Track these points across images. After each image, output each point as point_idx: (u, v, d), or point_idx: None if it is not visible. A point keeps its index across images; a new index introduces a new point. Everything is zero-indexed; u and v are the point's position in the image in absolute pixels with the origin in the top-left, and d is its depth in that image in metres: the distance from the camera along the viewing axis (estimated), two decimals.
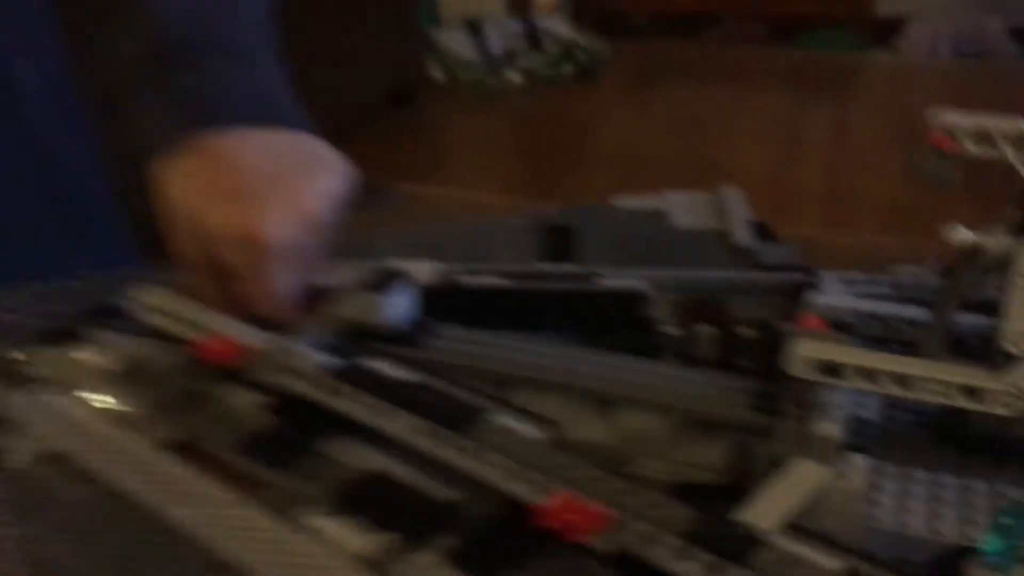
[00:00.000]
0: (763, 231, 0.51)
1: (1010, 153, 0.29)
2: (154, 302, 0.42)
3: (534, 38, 3.70)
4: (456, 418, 0.33)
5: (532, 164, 2.90)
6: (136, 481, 0.34)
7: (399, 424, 0.34)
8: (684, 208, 0.54)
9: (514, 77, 3.49)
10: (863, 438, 0.32)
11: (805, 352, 0.31)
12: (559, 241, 0.51)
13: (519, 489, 0.30)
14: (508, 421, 0.33)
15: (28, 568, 0.32)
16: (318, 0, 2.65)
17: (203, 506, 0.32)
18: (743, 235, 0.51)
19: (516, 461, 0.31)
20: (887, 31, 4.11)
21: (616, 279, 0.42)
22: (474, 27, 3.65)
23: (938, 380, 0.29)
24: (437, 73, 3.50)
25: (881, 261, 0.47)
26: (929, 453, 0.34)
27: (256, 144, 0.43)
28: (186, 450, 0.37)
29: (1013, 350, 0.28)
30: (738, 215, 0.53)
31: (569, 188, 2.69)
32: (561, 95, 3.46)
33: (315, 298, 0.42)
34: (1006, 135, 0.29)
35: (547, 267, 0.45)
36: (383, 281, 0.39)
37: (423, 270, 0.42)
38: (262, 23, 0.47)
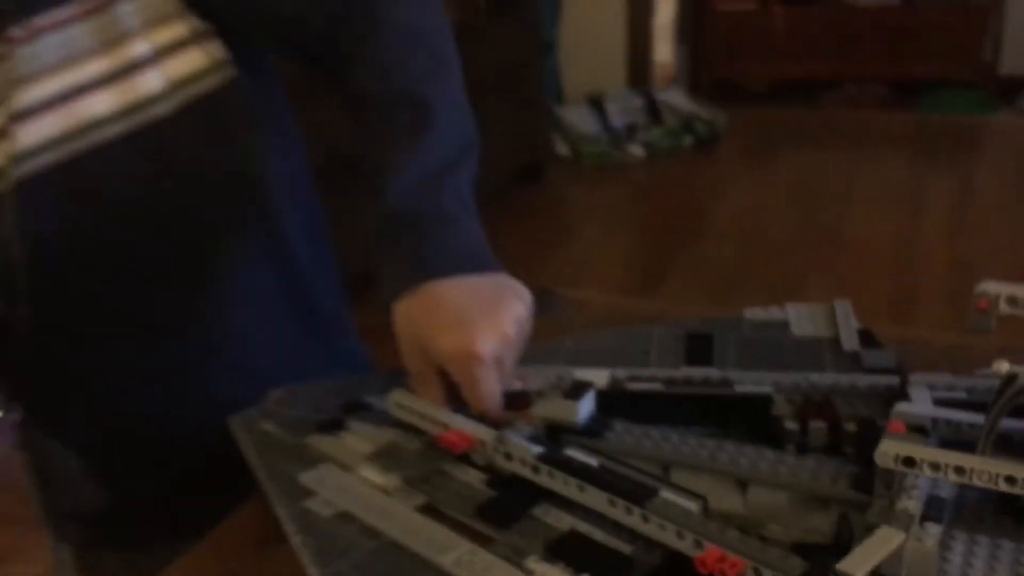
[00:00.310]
0: (867, 338, 0.63)
1: None
2: (399, 400, 0.57)
3: (654, 111, 3.85)
4: (632, 493, 0.46)
5: (653, 235, 3.03)
6: (407, 536, 0.48)
7: (589, 496, 0.48)
8: (803, 318, 0.66)
9: (635, 150, 3.64)
10: (937, 511, 0.43)
11: (890, 450, 0.43)
12: (701, 347, 0.64)
13: (682, 545, 0.43)
14: (670, 495, 0.46)
15: None
16: None
17: (459, 553, 0.46)
18: (850, 342, 0.62)
19: (678, 524, 0.44)
20: (1011, 90, 4.09)
21: (747, 385, 0.55)
22: (596, 102, 3.81)
23: (985, 471, 0.41)
24: (562, 148, 3.68)
25: (969, 361, 0.58)
26: (991, 524, 0.46)
27: (465, 286, 0.57)
28: (429, 512, 0.51)
29: None
30: (847, 324, 0.65)
31: (690, 258, 2.80)
32: (681, 166, 3.59)
33: (514, 399, 0.56)
34: None
35: (693, 372, 0.58)
36: (574, 390, 0.53)
37: (599, 378, 0.56)
38: (468, 189, 0.62)
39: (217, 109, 0.66)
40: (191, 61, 0.64)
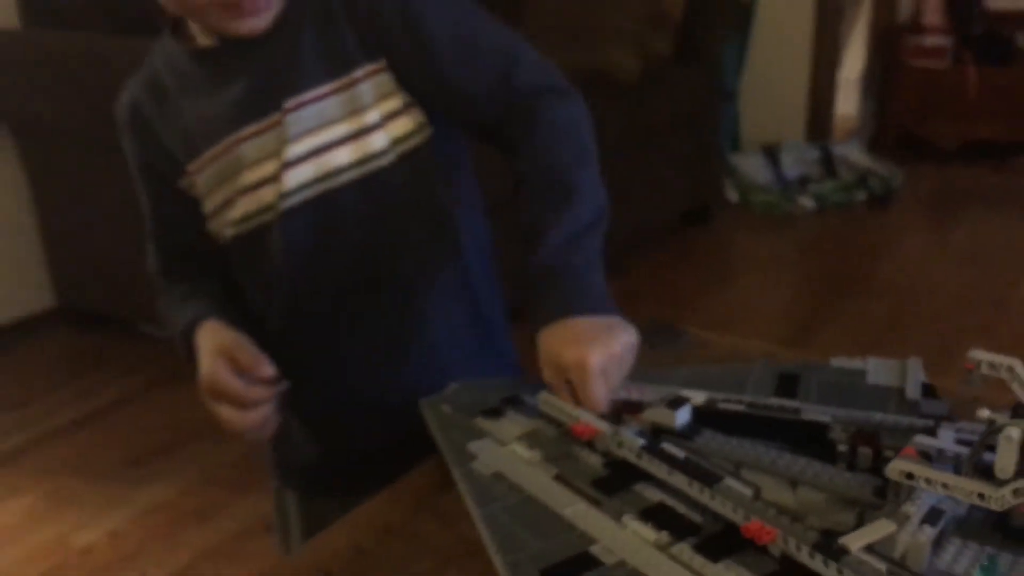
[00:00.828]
0: (928, 390, 0.77)
1: (1006, 377, 0.56)
2: (544, 398, 0.76)
3: (829, 164, 3.91)
4: (705, 477, 0.63)
5: (814, 287, 3.10)
6: (542, 494, 0.67)
7: (675, 478, 0.65)
8: (879, 369, 0.81)
9: (806, 202, 3.72)
10: (935, 518, 0.58)
11: (897, 466, 0.58)
12: (789, 383, 0.80)
13: (735, 517, 0.60)
14: (732, 482, 0.63)
15: (488, 532, 0.65)
16: (632, 129, 3.05)
17: (579, 509, 0.65)
18: (913, 392, 0.77)
19: (734, 502, 0.61)
20: None
21: (811, 413, 0.71)
22: (771, 152, 3.91)
23: (964, 487, 0.56)
24: (733, 195, 3.80)
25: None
26: (986, 537, 0.60)
27: (587, 322, 0.77)
28: (559, 480, 0.70)
29: (1001, 476, 0.54)
30: (915, 377, 0.79)
31: (846, 312, 2.86)
32: (852, 221, 3.64)
33: (630, 405, 0.74)
34: (1008, 368, 0.56)
35: (772, 401, 0.75)
36: (675, 402, 0.71)
37: (698, 397, 0.73)
38: (597, 250, 0.81)
39: (422, 160, 0.87)
40: (405, 125, 0.86)
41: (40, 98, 2.40)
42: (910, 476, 0.58)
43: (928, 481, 0.57)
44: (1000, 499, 0.55)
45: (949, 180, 4.27)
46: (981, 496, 0.56)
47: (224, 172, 0.86)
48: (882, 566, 0.54)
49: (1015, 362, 0.59)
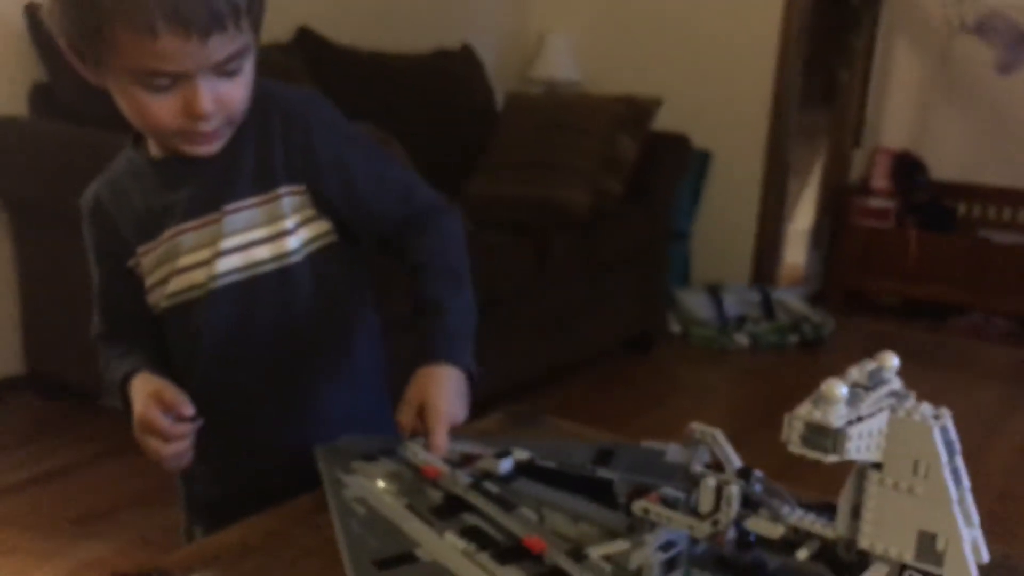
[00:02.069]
0: (718, 465, 0.99)
1: (711, 443, 0.78)
2: (408, 448, 0.98)
3: (768, 307, 4.19)
4: (508, 506, 0.85)
5: (740, 416, 3.33)
6: (390, 512, 0.88)
7: (489, 507, 0.86)
8: (674, 451, 1.03)
9: (741, 339, 3.98)
10: (669, 545, 0.79)
11: (639, 505, 0.80)
12: (604, 456, 1.01)
13: (521, 533, 0.81)
14: (526, 511, 0.84)
15: (342, 534, 0.86)
16: (581, 260, 3.31)
17: (414, 525, 0.86)
18: (695, 467, 0.99)
19: (523, 524, 0.82)
20: None
21: (603, 473, 0.92)
22: (715, 291, 4.19)
23: (680, 521, 0.77)
24: (675, 327, 4.06)
25: None
26: (706, 563, 0.81)
27: (456, 379, 0.99)
28: (407, 507, 0.90)
29: (702, 512, 0.76)
30: (698, 457, 1.01)
31: (766, 441, 3.06)
32: (782, 361, 3.89)
33: (468, 457, 0.96)
34: (712, 436, 0.79)
35: (577, 463, 0.97)
36: (502, 453, 0.93)
37: (523, 454, 0.95)
38: (474, 324, 1.05)
39: (326, 260, 1.11)
40: (315, 229, 1.11)
41: (35, 180, 2.65)
42: (645, 511, 0.79)
43: (657, 515, 0.79)
44: (701, 528, 0.76)
45: (884, 334, 4.53)
46: (691, 527, 0.77)
47: (165, 255, 1.08)
48: (607, 567, 0.75)
49: (717, 431, 0.81)
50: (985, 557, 0.69)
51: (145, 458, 1.02)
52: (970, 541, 0.67)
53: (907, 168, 4.98)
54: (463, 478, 0.91)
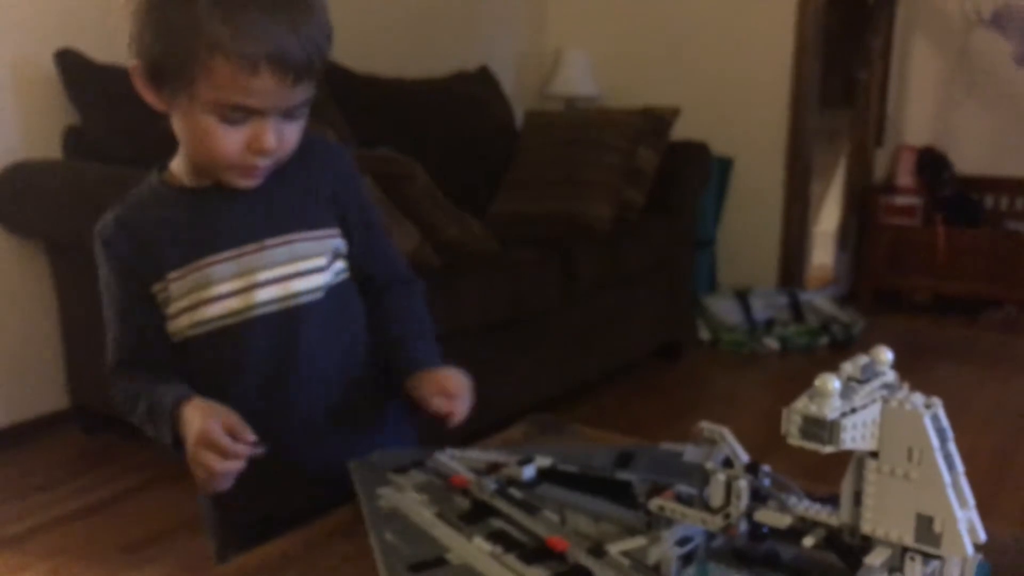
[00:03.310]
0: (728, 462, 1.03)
1: (719, 440, 0.82)
2: (438, 458, 1.03)
3: (796, 309, 4.20)
4: (532, 509, 0.89)
5: (771, 420, 3.32)
6: (422, 520, 0.93)
7: (514, 511, 0.91)
8: (692, 451, 1.07)
9: (771, 343, 4.00)
10: (685, 541, 0.84)
11: (655, 502, 0.84)
12: (624, 459, 1.06)
13: (545, 533, 0.86)
14: (548, 513, 0.89)
15: (376, 542, 0.91)
16: (606, 272, 3.35)
17: (444, 531, 0.91)
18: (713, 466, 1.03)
19: (546, 525, 0.87)
20: None
21: (623, 475, 0.97)
22: (743, 296, 4.21)
23: (693, 515, 0.81)
24: (704, 333, 4.08)
25: None
26: (723, 557, 0.85)
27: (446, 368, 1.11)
28: (437, 516, 0.95)
29: (713, 506, 0.80)
30: (715, 456, 1.05)
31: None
32: (813, 362, 3.90)
33: (494, 465, 1.00)
34: (720, 434, 0.83)
35: (597, 466, 1.01)
36: (524, 460, 0.97)
37: (545, 460, 1.00)
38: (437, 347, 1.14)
39: (348, 291, 1.20)
40: (342, 265, 1.19)
41: (71, 220, 2.73)
42: (661, 508, 0.84)
43: (672, 511, 0.83)
44: (714, 522, 0.81)
45: (917, 331, 4.53)
46: (704, 521, 0.81)
47: (196, 283, 1.12)
48: (626, 562, 0.79)
49: (725, 429, 0.85)
50: (982, 537, 0.73)
51: (191, 483, 1.06)
52: (965, 522, 0.71)
53: (932, 164, 4.97)
54: (489, 485, 0.96)
